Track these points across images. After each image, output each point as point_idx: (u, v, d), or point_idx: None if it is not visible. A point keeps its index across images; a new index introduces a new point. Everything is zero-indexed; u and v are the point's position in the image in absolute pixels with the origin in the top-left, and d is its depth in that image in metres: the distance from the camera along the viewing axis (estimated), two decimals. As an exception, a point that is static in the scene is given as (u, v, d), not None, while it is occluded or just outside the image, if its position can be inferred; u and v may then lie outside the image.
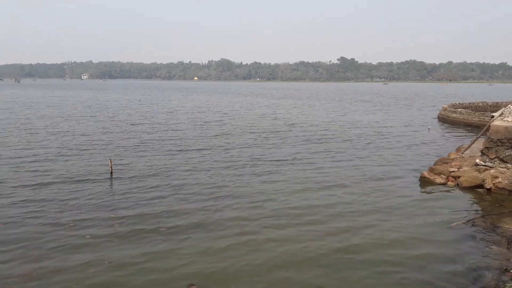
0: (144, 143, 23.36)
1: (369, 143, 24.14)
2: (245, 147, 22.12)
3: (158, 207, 12.22)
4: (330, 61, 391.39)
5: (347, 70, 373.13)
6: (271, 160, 18.83)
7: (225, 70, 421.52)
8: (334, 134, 27.44)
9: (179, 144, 23.06)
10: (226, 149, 21.72)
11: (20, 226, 10.70)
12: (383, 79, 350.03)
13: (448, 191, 14.41)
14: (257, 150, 21.40)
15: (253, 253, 9.28)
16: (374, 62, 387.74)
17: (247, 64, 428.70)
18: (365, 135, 27.19)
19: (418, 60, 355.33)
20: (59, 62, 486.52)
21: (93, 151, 20.75)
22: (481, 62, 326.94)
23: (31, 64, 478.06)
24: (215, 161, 18.63)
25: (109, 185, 14.74)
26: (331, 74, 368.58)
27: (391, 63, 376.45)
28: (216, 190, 13.98)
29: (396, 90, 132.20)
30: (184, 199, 13.01)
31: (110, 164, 16.55)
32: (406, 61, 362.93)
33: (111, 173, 16.23)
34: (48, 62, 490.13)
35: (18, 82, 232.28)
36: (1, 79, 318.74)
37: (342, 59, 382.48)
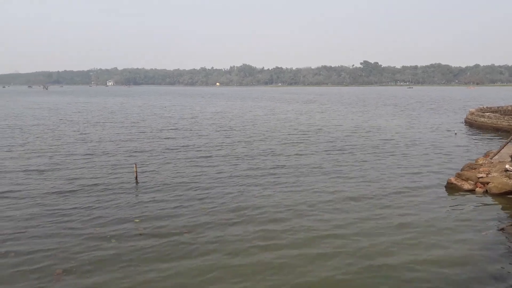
0: (168, 149, 23.58)
1: (395, 149, 23.67)
2: (269, 154, 21.93)
3: (182, 218, 12.13)
4: (353, 65, 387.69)
5: (370, 74, 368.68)
6: (296, 168, 18.49)
7: (247, 76, 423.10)
8: (359, 140, 27.03)
9: (203, 150, 23.16)
10: (250, 155, 21.65)
11: (49, 235, 10.82)
12: (407, 83, 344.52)
13: (476, 198, 13.99)
14: (281, 157, 21.16)
15: (278, 270, 8.97)
16: (398, 66, 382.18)
17: (268, 69, 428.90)
18: (391, 141, 26.71)
19: (443, 63, 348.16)
20: (85, 69, 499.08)
21: (119, 157, 21.05)
22: (510, 65, 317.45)
23: (58, 72, 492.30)
24: (239, 169, 18.50)
25: (134, 192, 14.85)
26: (354, 78, 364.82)
27: (416, 67, 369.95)
28: (241, 200, 13.84)
29: (421, 94, 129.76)
30: (208, 208, 12.94)
31: (135, 169, 16.74)
32: (431, 65, 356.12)
33: (136, 178, 16.43)
34: (75, 70, 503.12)
35: (46, 89, 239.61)
36: (30, 86, 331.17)
37: (365, 63, 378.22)
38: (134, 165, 17.05)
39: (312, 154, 22.14)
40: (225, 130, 32.89)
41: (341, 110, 56.44)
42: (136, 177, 16.46)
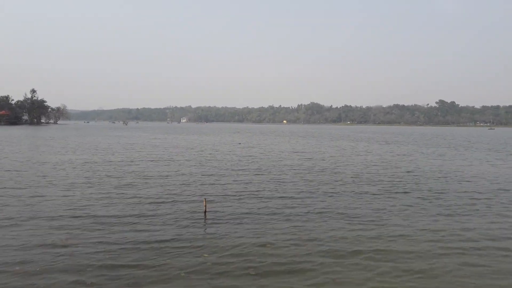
0: (241, 186, 22.53)
1: (495, 201, 20.38)
2: (360, 197, 19.75)
3: (250, 257, 11.05)
4: (428, 104, 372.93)
5: (447, 114, 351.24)
6: (391, 225, 16.03)
7: (314, 114, 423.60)
8: (460, 189, 22.45)
9: (277, 189, 21.63)
10: (329, 195, 19.86)
11: (117, 266, 10.24)
12: (487, 124, 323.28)
13: None
14: (365, 210, 18.67)
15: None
16: (477, 106, 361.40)
17: (337, 107, 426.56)
18: (487, 190, 22.53)
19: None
20: (161, 107, 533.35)
21: (188, 192, 20.59)
22: None
23: (137, 109, 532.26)
24: (317, 212, 16.69)
25: (203, 227, 14.02)
26: (429, 118, 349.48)
27: (497, 107, 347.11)
28: (313, 247, 12.16)
29: (505, 136, 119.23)
30: (277, 254, 11.45)
31: (204, 203, 15.96)
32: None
33: (205, 213, 15.59)
34: (152, 107, 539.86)
35: (126, 124, 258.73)
36: (113, 122, 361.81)
37: (441, 102, 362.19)
38: (204, 200, 16.26)
39: (411, 204, 19.51)
40: (303, 170, 31.11)
41: (428, 153, 49.40)
42: (205, 211, 15.62)
